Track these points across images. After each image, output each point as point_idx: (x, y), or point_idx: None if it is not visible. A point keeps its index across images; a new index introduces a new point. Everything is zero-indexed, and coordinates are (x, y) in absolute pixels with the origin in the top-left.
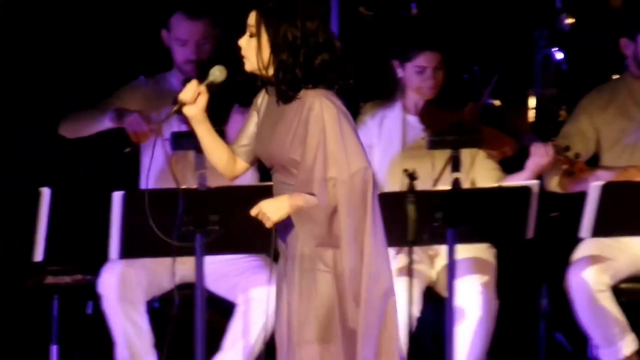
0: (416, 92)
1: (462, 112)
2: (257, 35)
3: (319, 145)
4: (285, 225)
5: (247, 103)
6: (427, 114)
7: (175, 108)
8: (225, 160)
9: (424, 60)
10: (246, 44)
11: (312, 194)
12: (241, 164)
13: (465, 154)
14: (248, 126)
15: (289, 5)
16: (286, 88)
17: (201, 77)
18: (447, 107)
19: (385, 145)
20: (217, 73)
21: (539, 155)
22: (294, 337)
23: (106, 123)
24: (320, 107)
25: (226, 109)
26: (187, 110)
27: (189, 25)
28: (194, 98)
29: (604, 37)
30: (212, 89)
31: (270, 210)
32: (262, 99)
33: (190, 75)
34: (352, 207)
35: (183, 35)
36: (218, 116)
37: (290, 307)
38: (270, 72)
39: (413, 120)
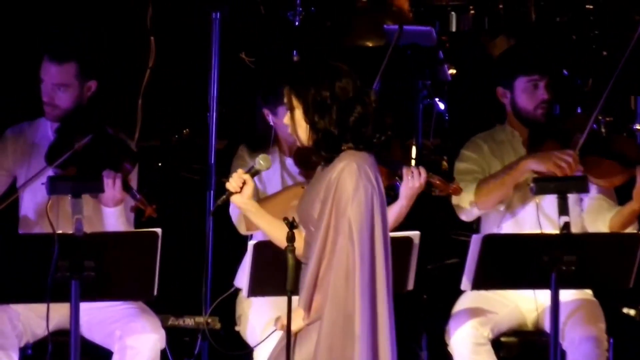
0: (290, 138)
1: None
2: (292, 108)
3: (326, 204)
4: None
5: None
6: (301, 155)
7: (223, 198)
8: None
9: None
10: (288, 121)
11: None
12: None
13: None
14: None
15: (314, 69)
16: (326, 152)
17: (64, 129)
18: None
19: (264, 184)
20: (262, 162)
21: (411, 178)
22: None
23: None
24: (342, 169)
25: (96, 174)
26: (235, 200)
27: (47, 65)
28: (239, 187)
29: (486, 87)
30: (254, 175)
31: None
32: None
33: (50, 120)
34: (335, 280)
35: (42, 74)
36: (92, 184)
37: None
38: (311, 141)
39: (290, 162)
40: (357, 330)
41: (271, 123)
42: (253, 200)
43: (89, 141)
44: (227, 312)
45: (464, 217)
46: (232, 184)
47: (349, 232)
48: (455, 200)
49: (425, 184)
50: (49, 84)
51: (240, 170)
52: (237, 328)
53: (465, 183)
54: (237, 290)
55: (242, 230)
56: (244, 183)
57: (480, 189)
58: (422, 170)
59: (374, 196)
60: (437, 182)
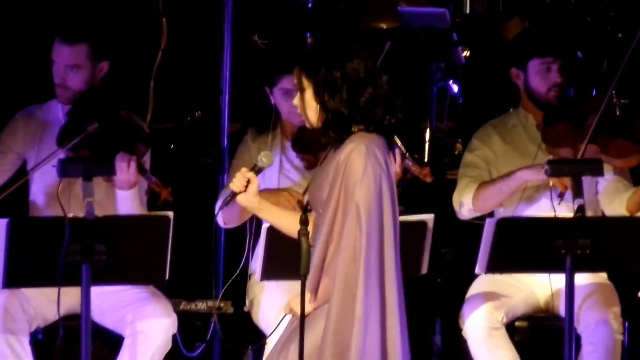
0: (288, 117)
1: None
2: (303, 89)
3: (335, 186)
4: None
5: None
6: (299, 138)
7: (227, 199)
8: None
9: (289, 82)
10: (298, 102)
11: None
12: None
13: None
14: None
15: (325, 49)
16: (335, 133)
17: (75, 111)
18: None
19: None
20: (265, 160)
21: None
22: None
23: None
24: (351, 150)
25: (109, 157)
26: (240, 199)
27: (59, 47)
28: (243, 186)
29: (500, 69)
30: (257, 172)
31: None
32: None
33: (62, 103)
34: (343, 263)
35: (53, 56)
36: (103, 166)
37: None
38: (320, 122)
39: (290, 145)
40: (359, 312)
41: (272, 102)
42: (258, 197)
43: (101, 124)
44: (240, 296)
45: (461, 217)
46: (236, 184)
47: (356, 215)
48: (455, 203)
49: (401, 170)
50: (61, 65)
51: (243, 169)
52: (246, 308)
53: (468, 180)
54: (247, 273)
55: (221, 224)
56: (248, 182)
57: (478, 193)
58: (398, 155)
59: (382, 178)
60: (412, 166)
